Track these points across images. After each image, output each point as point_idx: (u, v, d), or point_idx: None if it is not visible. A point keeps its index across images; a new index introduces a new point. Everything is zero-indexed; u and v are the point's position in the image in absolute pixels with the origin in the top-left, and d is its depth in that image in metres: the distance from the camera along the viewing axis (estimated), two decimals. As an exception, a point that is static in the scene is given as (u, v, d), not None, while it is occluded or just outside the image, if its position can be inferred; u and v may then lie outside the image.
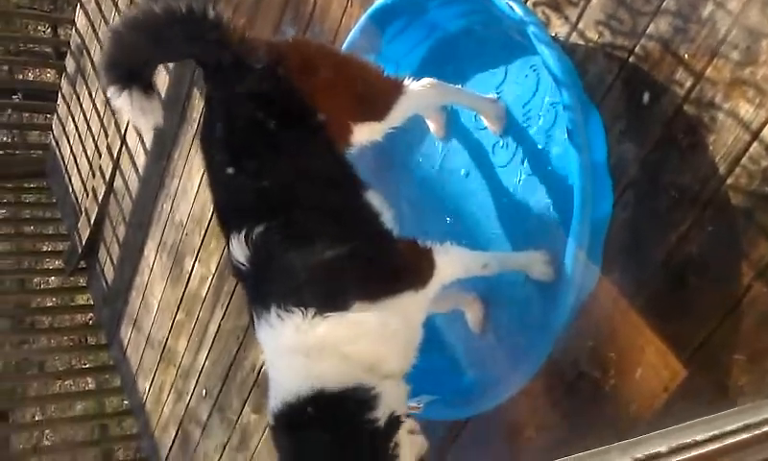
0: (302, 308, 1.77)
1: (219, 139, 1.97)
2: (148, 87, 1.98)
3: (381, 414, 1.78)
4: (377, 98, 2.14)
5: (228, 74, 1.96)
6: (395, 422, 1.81)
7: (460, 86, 2.41)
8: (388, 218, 2.04)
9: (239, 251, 1.85)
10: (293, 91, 1.97)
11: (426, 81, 2.22)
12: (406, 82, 2.18)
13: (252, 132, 1.95)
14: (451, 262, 2.04)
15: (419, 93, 2.19)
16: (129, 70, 1.94)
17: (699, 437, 1.10)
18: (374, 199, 2.04)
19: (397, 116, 2.16)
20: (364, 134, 2.11)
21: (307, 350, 1.79)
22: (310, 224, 1.89)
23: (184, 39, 1.97)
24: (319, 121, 1.98)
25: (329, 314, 1.78)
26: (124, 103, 1.94)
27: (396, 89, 2.15)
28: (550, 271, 2.11)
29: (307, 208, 1.92)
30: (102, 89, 2.05)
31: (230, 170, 1.93)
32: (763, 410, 1.20)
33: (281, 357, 1.86)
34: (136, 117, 1.98)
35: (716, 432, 1.12)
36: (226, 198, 2.01)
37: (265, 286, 1.86)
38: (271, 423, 1.86)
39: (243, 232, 1.83)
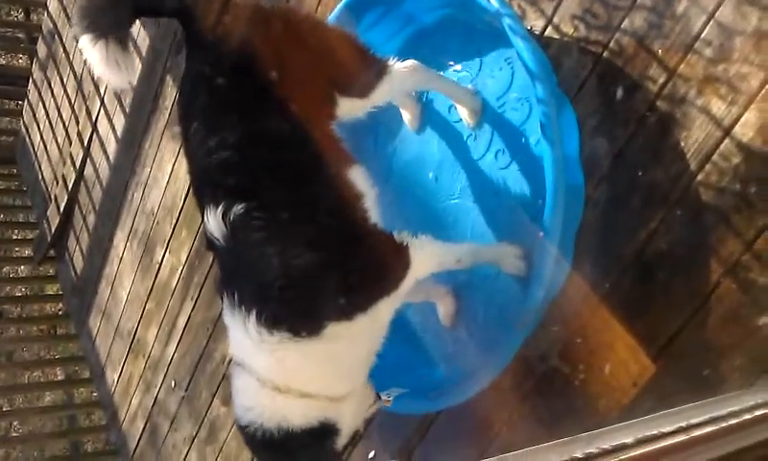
0: (274, 326, 1.73)
1: (198, 107, 1.89)
2: (124, 40, 1.91)
3: (345, 436, 1.89)
4: (363, 74, 2.11)
5: (208, 38, 1.90)
6: (355, 436, 1.90)
7: (441, 73, 2.40)
8: (371, 198, 1.99)
9: (215, 226, 1.78)
10: (276, 60, 1.91)
11: (410, 62, 2.20)
12: (390, 61, 2.16)
13: (231, 101, 1.86)
14: (426, 258, 2.01)
15: (402, 74, 2.17)
16: (106, 19, 1.87)
17: (665, 429, 1.10)
18: (359, 177, 1.99)
19: (381, 95, 2.15)
20: (347, 109, 2.07)
21: (275, 384, 1.77)
22: (289, 211, 1.81)
23: None
24: (303, 93, 1.92)
25: (300, 339, 1.75)
26: (98, 53, 1.86)
27: (380, 68, 2.14)
28: (522, 265, 2.10)
29: (288, 189, 1.83)
30: (74, 37, 1.95)
31: (209, 141, 1.82)
32: (729, 403, 1.20)
33: (249, 373, 1.82)
34: (110, 70, 1.89)
35: (682, 424, 1.12)
36: (202, 169, 1.88)
37: (239, 278, 1.81)
38: (239, 425, 1.85)
39: (220, 209, 1.76)
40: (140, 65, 4.17)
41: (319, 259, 1.79)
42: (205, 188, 1.86)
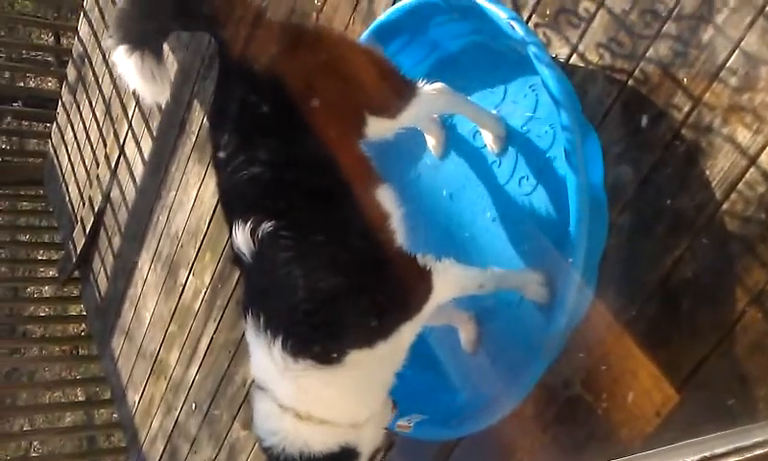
0: (299, 354, 1.73)
1: (230, 121, 1.88)
2: (160, 53, 1.91)
3: (365, 457, 1.90)
4: (393, 95, 2.11)
5: (240, 53, 1.90)
6: (376, 455, 1.91)
7: (468, 97, 2.40)
8: (397, 219, 1.99)
9: (243, 242, 1.79)
10: (309, 76, 1.92)
11: (438, 85, 2.21)
12: (420, 83, 2.17)
13: (263, 117, 1.86)
14: (449, 282, 2.01)
15: (430, 96, 2.18)
16: (141, 30, 1.87)
17: (689, 459, 1.09)
18: (386, 197, 2.00)
19: (409, 116, 2.16)
20: (376, 129, 2.07)
21: (297, 412, 1.78)
22: (317, 231, 1.82)
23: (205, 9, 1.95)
24: (334, 110, 1.92)
25: (323, 367, 1.76)
26: (133, 65, 1.86)
27: (410, 89, 2.14)
28: (545, 292, 2.09)
29: (316, 208, 1.84)
30: (109, 49, 1.94)
31: (240, 156, 1.82)
32: (753, 434, 1.19)
33: (272, 398, 1.82)
34: (145, 83, 1.90)
35: (706, 454, 1.11)
36: (233, 183, 1.86)
37: (264, 298, 1.82)
38: (262, 446, 1.86)
39: (249, 225, 1.76)
40: (168, 89, 4.23)
41: (345, 283, 1.80)
42: (235, 203, 1.87)
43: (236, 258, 1.85)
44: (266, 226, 1.76)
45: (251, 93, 1.87)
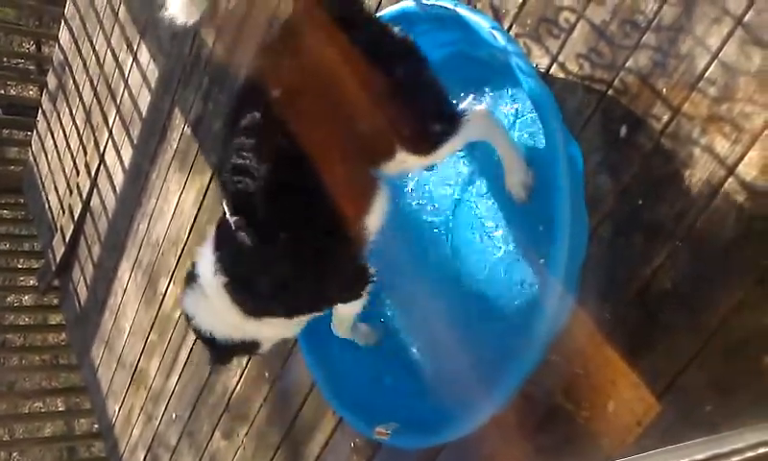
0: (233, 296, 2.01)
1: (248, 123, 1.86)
2: None
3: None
4: (433, 128, 1.97)
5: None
6: None
7: (508, 130, 2.25)
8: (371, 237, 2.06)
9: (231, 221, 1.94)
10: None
11: (482, 110, 2.16)
12: (467, 114, 2.02)
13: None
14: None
15: (472, 126, 2.03)
16: None
17: (667, 466, 1.09)
18: (375, 217, 2.02)
19: (443, 153, 2.05)
20: (404, 165, 2.00)
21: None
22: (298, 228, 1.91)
23: None
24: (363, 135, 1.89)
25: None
26: None
27: (455, 122, 1.98)
28: None
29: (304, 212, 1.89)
30: None
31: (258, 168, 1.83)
32: (732, 440, 1.19)
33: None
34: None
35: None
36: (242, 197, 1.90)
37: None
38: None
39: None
40: (149, 97, 4.22)
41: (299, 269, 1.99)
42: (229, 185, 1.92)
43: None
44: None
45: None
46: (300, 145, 1.78)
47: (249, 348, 2.23)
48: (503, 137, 2.18)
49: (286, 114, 1.81)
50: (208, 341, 2.17)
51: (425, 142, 1.96)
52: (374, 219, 2.00)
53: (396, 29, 2.00)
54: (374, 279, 2.20)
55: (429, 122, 1.96)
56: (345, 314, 2.41)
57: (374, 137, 1.90)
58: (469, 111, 2.03)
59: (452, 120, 1.98)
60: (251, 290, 2.00)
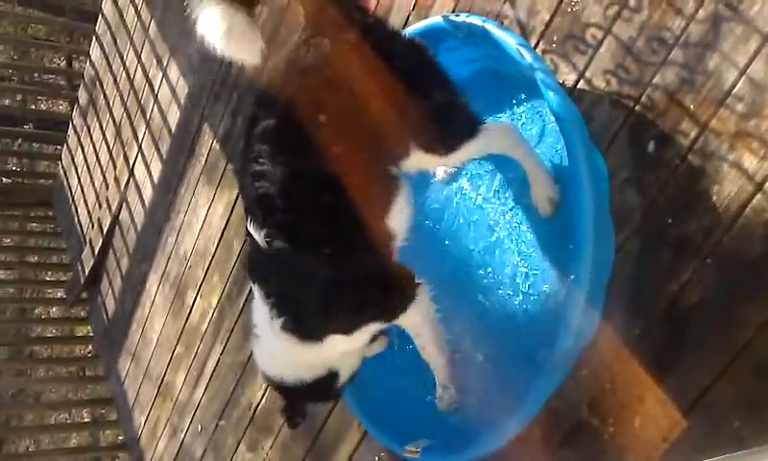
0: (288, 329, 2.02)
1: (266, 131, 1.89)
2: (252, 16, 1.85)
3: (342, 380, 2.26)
4: (449, 132, 2.03)
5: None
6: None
7: (532, 146, 2.27)
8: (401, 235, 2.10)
9: (258, 237, 1.95)
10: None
11: (505, 124, 2.24)
12: (487, 123, 2.09)
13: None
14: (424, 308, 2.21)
15: (492, 137, 2.09)
16: None
17: (696, 481, 1.09)
18: (398, 217, 2.05)
19: (461, 157, 2.11)
20: (419, 163, 2.07)
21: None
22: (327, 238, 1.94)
23: None
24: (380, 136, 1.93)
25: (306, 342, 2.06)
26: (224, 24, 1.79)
27: (472, 127, 2.05)
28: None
29: (329, 218, 1.91)
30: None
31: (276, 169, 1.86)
32: (759, 457, 1.19)
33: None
34: (236, 43, 1.84)
35: (713, 476, 1.11)
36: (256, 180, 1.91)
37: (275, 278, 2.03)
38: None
39: (264, 233, 1.92)
40: (179, 113, 4.28)
41: (343, 281, 2.01)
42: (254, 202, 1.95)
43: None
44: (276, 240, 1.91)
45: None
46: (317, 147, 1.84)
47: (327, 383, 2.20)
48: (527, 152, 2.21)
49: (304, 117, 1.86)
50: (283, 391, 2.22)
51: (441, 143, 2.03)
52: (398, 216, 2.05)
53: (404, 32, 2.14)
54: (419, 281, 2.16)
55: (445, 123, 2.01)
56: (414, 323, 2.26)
57: (391, 136, 1.95)
58: (490, 123, 2.10)
59: (470, 124, 2.05)
60: (300, 311, 2.01)
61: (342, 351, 2.15)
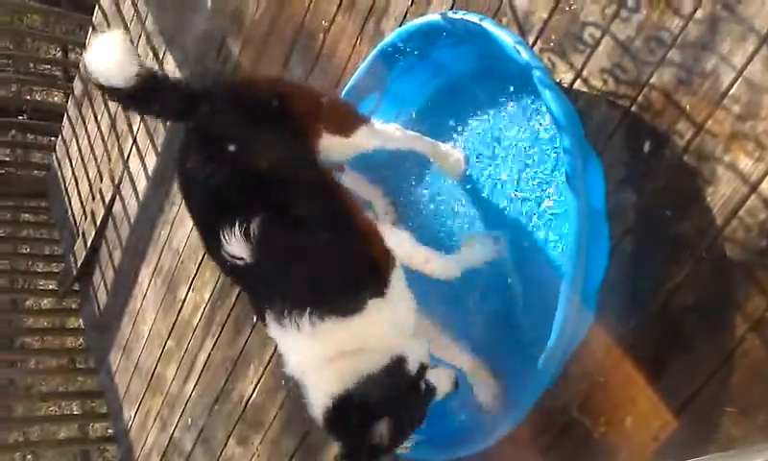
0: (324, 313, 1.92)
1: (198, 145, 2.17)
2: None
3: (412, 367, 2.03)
4: (347, 120, 2.35)
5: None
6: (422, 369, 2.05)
7: (419, 134, 2.49)
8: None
9: (237, 245, 1.95)
10: (282, 110, 2.22)
11: (391, 125, 2.45)
12: (374, 119, 2.40)
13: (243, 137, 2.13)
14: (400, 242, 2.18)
15: (380, 128, 2.38)
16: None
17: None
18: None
19: (361, 140, 2.34)
20: (331, 144, 2.27)
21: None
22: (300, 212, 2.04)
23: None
24: (300, 129, 2.22)
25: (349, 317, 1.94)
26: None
27: (362, 119, 2.37)
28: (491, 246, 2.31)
29: (292, 197, 2.06)
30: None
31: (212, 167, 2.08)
32: (750, 457, 1.19)
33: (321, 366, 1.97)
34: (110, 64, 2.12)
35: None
36: (208, 201, 2.13)
37: (277, 288, 1.99)
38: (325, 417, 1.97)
39: (237, 226, 1.94)
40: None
41: (344, 251, 2.05)
42: (216, 221, 2.02)
43: (233, 271, 2.03)
44: (256, 219, 1.94)
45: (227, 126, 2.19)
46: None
47: (397, 377, 1.99)
48: (417, 141, 2.48)
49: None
50: (354, 413, 1.94)
51: (343, 129, 2.32)
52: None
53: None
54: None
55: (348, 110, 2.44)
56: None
57: (308, 127, 2.25)
58: (375, 121, 2.40)
59: (359, 119, 2.37)
60: (317, 291, 1.96)
61: (391, 322, 2.03)
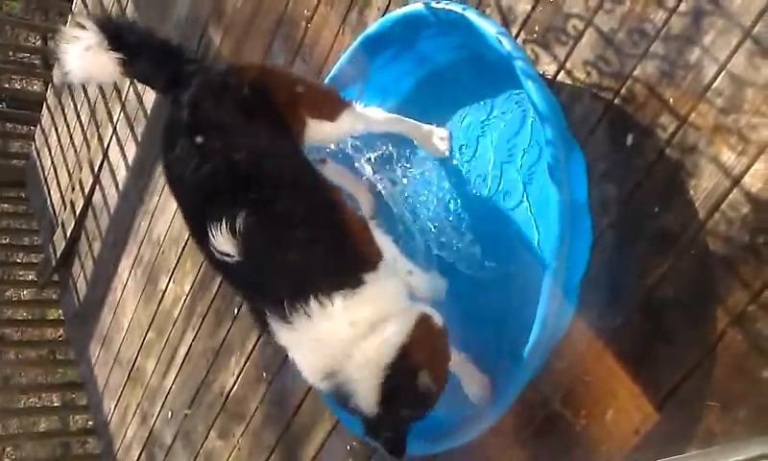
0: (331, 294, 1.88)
1: (181, 130, 2.12)
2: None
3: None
4: (330, 104, 2.36)
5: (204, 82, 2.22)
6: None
7: (400, 117, 2.49)
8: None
9: (224, 242, 1.91)
10: (266, 99, 2.22)
11: (373, 108, 2.46)
12: (355, 102, 2.42)
13: (226, 126, 2.13)
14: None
15: (363, 111, 2.41)
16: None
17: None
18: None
19: (345, 124, 2.36)
20: (317, 129, 2.30)
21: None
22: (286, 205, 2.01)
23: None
24: (284, 117, 2.23)
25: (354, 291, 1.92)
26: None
27: (345, 103, 2.38)
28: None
29: (279, 188, 2.04)
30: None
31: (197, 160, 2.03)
32: (731, 453, 1.18)
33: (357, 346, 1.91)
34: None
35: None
36: (195, 194, 2.09)
37: (273, 283, 1.96)
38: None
39: (224, 223, 1.90)
40: (154, 95, 4.22)
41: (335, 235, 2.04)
42: (202, 214, 1.99)
43: (220, 266, 1.99)
44: (241, 216, 1.90)
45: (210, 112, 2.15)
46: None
47: (425, 334, 1.96)
48: (400, 123, 2.48)
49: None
50: (395, 392, 1.89)
51: (327, 114, 2.34)
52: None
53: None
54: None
55: (331, 94, 2.44)
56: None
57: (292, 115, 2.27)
58: (358, 104, 2.42)
59: (342, 102, 2.38)
60: (317, 270, 1.94)
61: (397, 282, 2.05)
